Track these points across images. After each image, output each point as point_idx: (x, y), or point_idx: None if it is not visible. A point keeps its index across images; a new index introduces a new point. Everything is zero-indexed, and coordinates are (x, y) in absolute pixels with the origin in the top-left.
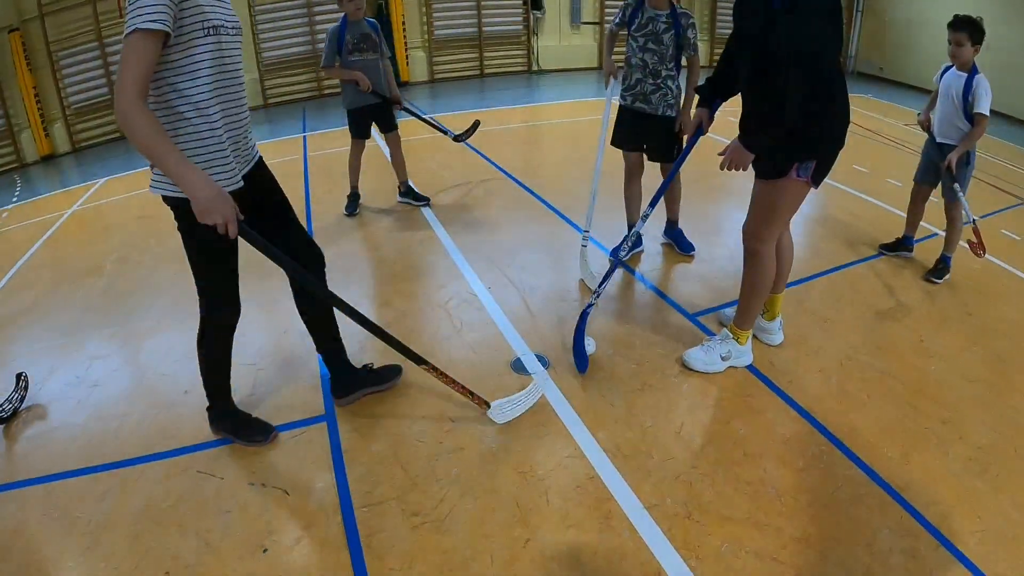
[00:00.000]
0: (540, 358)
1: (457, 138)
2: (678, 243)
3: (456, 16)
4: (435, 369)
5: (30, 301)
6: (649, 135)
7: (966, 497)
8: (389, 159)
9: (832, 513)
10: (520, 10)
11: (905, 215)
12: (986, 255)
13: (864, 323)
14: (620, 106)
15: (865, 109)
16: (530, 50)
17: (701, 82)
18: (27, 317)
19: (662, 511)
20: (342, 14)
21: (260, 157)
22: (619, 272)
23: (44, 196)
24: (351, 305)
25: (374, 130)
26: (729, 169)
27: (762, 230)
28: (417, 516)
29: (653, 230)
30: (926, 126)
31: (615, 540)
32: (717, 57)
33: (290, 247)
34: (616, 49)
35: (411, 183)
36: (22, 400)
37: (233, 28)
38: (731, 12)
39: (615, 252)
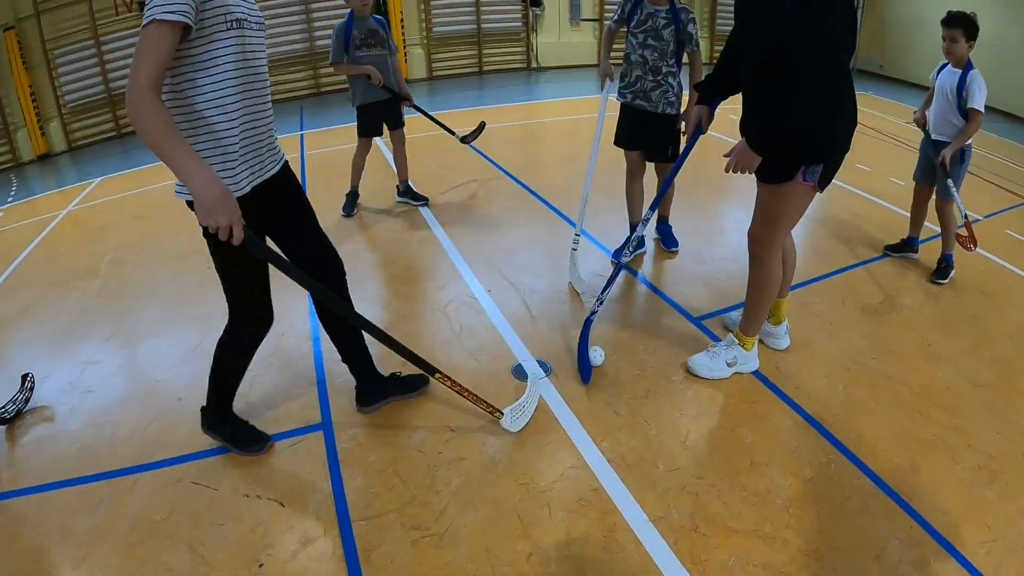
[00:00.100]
0: (541, 363)
1: (464, 139)
2: (664, 238)
3: (455, 13)
4: (449, 379)
5: (25, 304)
6: (649, 134)
7: (975, 506)
8: (389, 158)
9: (840, 524)
10: (519, 7)
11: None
12: (977, 249)
13: (870, 327)
14: (621, 104)
15: (866, 107)
16: (529, 47)
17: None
18: (22, 320)
19: (668, 523)
20: (348, 10)
21: (286, 161)
22: (620, 274)
23: (40, 196)
24: (367, 319)
25: None
26: (735, 172)
27: (767, 235)
28: (417, 530)
29: (648, 228)
30: (922, 124)
31: (620, 554)
32: (717, 55)
33: (310, 257)
34: (615, 47)
35: (410, 182)
36: (27, 401)
37: (256, 23)
38: (731, 9)
39: (617, 254)
